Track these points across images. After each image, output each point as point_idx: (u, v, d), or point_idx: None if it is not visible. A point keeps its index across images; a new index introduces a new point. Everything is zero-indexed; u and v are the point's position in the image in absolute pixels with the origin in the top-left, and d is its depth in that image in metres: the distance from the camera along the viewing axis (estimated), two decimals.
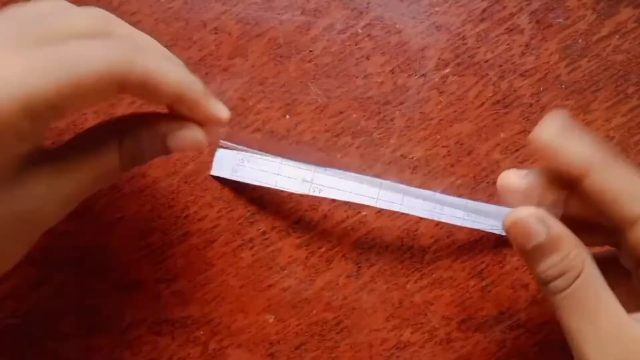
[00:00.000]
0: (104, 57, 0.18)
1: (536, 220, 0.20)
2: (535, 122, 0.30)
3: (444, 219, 0.28)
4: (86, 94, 0.18)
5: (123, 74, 0.18)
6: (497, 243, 0.29)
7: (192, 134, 0.22)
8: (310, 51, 0.30)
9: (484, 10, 0.30)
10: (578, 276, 0.20)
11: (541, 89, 0.30)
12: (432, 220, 0.29)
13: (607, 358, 0.19)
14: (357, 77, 0.30)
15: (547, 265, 0.20)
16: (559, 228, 0.20)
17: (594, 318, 0.20)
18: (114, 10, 0.29)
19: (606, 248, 0.23)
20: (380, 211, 0.29)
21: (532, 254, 0.21)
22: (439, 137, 0.30)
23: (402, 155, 0.29)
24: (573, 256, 0.20)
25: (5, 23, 0.19)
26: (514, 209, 0.21)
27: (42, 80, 0.17)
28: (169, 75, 0.20)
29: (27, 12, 0.20)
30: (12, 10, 0.20)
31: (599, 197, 0.20)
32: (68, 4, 0.21)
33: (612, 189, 0.19)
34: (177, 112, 0.22)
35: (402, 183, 0.27)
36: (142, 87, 0.19)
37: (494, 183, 0.29)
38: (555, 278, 0.20)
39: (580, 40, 0.30)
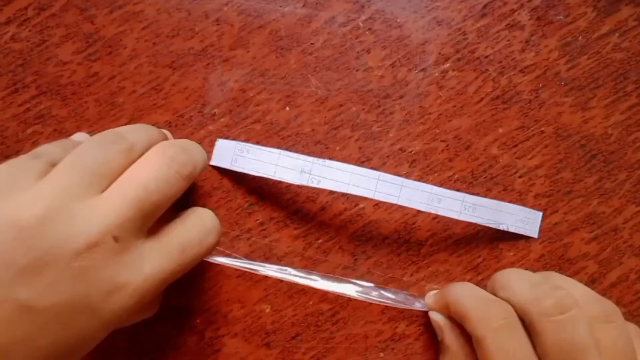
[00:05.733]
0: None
1: (438, 326, 0.27)
2: (533, 119, 0.30)
3: (441, 213, 0.28)
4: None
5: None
6: (493, 238, 0.29)
7: None
8: (311, 44, 0.30)
9: (485, 6, 0.30)
10: None
11: (540, 85, 0.30)
12: (430, 214, 0.29)
13: None
14: (357, 70, 0.30)
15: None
16: (449, 339, 0.27)
17: None
18: None
19: None
20: (378, 204, 0.29)
21: (441, 344, 0.27)
22: (437, 131, 0.30)
23: (400, 149, 0.30)
24: None
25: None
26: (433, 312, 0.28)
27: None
28: None
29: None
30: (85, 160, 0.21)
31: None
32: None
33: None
34: None
35: (400, 176, 0.27)
36: None
37: (492, 178, 0.30)
38: None
39: (580, 37, 0.30)
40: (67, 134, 0.29)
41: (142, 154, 0.22)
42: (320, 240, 0.29)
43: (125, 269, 0.20)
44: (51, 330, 0.18)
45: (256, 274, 0.29)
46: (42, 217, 0.19)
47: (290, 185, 0.29)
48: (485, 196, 0.29)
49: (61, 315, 0.19)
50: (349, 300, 0.29)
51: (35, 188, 0.20)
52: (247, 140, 0.29)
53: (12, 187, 0.19)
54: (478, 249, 0.29)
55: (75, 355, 0.20)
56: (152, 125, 0.28)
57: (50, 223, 0.19)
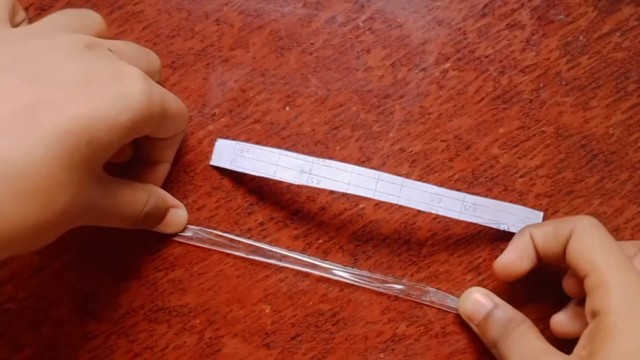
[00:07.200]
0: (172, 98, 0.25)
1: (483, 295, 0.28)
2: (534, 118, 0.30)
3: (441, 213, 0.28)
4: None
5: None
6: (494, 238, 0.29)
7: (184, 215, 0.28)
8: (311, 44, 0.30)
9: (485, 6, 0.30)
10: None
11: (541, 85, 0.30)
12: (430, 214, 0.29)
13: None
14: (357, 70, 0.30)
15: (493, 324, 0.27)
16: (497, 300, 0.28)
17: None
18: (117, 0, 0.29)
19: None
20: (378, 204, 0.29)
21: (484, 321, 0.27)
22: (438, 131, 0.30)
23: (400, 149, 0.30)
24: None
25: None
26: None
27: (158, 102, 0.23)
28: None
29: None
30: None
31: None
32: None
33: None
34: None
35: (400, 176, 0.27)
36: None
37: (492, 178, 0.29)
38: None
39: (581, 37, 0.30)
40: None
41: None
42: (320, 240, 0.29)
43: (125, 66, 0.22)
44: (73, 103, 0.20)
45: (256, 274, 0.29)
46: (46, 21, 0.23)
47: (290, 185, 0.29)
48: (485, 196, 0.29)
49: (80, 87, 0.20)
50: (349, 300, 0.29)
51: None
52: (247, 140, 0.29)
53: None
54: (479, 249, 0.29)
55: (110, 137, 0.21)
56: None
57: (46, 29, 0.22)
